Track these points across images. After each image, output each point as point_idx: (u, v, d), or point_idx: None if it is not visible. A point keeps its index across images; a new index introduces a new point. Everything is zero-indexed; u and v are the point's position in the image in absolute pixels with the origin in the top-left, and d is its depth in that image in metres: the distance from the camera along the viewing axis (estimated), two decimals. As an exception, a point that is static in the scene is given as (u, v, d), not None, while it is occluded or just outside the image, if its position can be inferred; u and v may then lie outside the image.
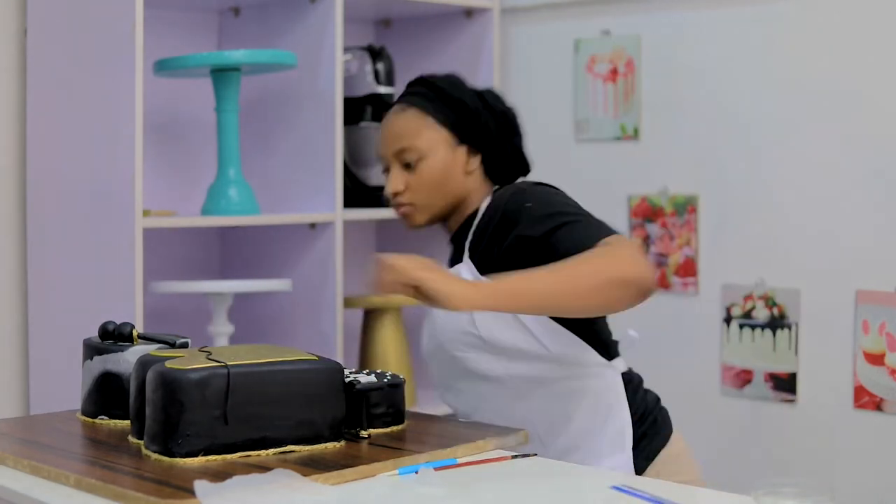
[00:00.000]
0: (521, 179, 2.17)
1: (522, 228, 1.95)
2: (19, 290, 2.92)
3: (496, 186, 2.16)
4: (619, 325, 2.19)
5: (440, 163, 2.10)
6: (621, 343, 2.13)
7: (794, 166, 2.95)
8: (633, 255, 1.82)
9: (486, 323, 1.96)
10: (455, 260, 2.14)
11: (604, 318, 2.07)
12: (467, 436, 1.86)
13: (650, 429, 2.04)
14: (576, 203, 1.99)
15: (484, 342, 1.99)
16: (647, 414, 2.06)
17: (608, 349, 2.07)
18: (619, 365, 2.08)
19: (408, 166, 2.12)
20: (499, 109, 2.15)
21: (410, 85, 2.19)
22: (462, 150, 2.12)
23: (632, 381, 2.09)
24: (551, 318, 1.98)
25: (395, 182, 2.12)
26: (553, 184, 2.10)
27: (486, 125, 2.12)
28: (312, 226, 3.03)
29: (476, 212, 2.12)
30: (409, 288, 1.73)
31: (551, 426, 2.01)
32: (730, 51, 3.05)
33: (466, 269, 2.04)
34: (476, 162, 2.13)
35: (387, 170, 2.17)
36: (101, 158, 2.71)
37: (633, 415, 2.05)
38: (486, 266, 2.00)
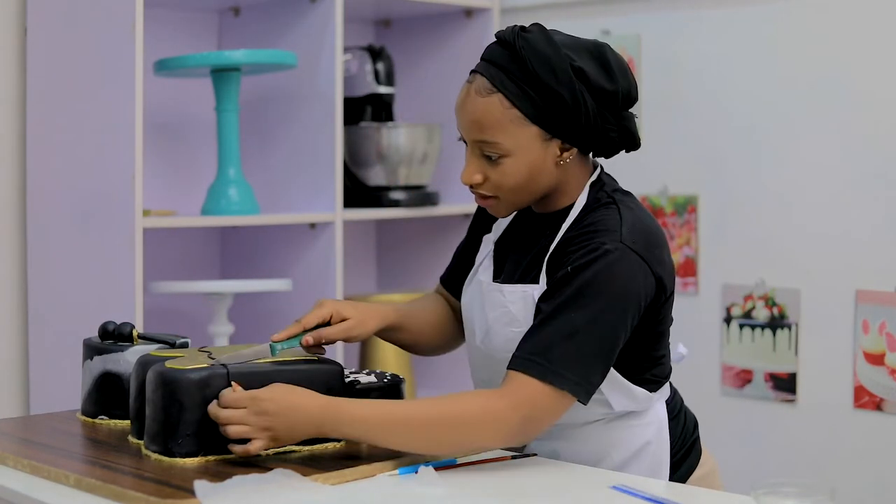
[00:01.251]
0: (620, 204, 1.81)
1: (551, 287, 1.75)
2: (19, 290, 2.92)
3: (595, 176, 1.87)
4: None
5: (527, 163, 1.77)
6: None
7: (794, 166, 2.94)
8: (496, 413, 1.67)
9: None
10: (529, 254, 1.87)
11: (668, 351, 1.88)
12: (467, 436, 1.86)
13: (688, 454, 1.93)
14: (614, 298, 1.71)
15: None
16: (685, 440, 1.94)
17: (663, 379, 1.89)
18: (666, 390, 1.91)
19: (490, 159, 1.79)
20: (608, 90, 1.77)
21: (497, 49, 1.81)
22: (555, 145, 1.78)
23: (674, 409, 1.93)
24: (621, 372, 1.79)
25: (471, 173, 1.81)
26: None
27: (584, 116, 1.76)
28: (312, 226, 3.03)
29: (570, 207, 1.84)
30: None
31: (584, 459, 1.85)
32: (730, 51, 3.05)
33: (541, 290, 1.79)
34: (571, 154, 1.80)
35: (463, 140, 1.84)
36: (101, 158, 2.70)
37: (672, 446, 1.90)
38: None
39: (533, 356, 1.69)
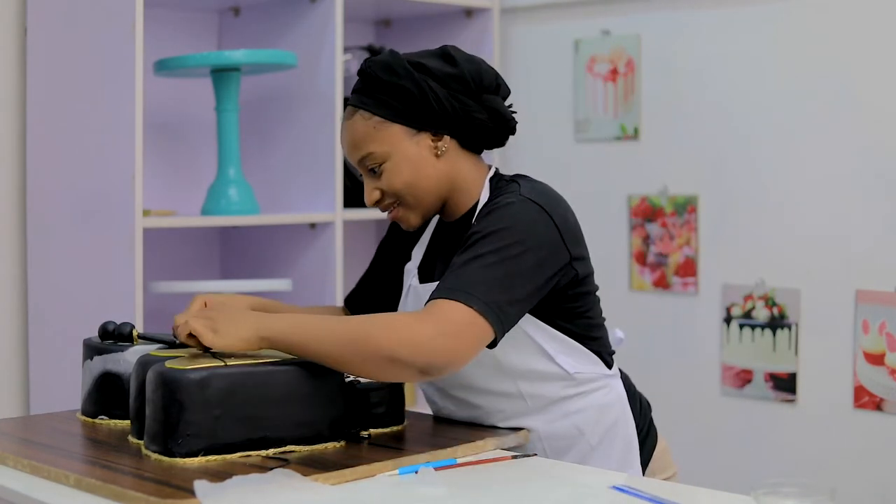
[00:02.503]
0: (521, 180, 1.92)
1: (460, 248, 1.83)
2: (19, 290, 2.92)
3: (493, 170, 1.96)
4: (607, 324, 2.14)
5: (404, 160, 1.89)
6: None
7: (794, 166, 2.95)
8: (425, 332, 1.70)
9: (502, 345, 1.81)
10: (450, 253, 1.94)
11: (603, 324, 1.99)
12: (467, 436, 1.86)
13: (647, 434, 2.02)
14: (520, 237, 1.79)
15: (497, 362, 1.88)
16: (644, 420, 2.02)
17: (609, 357, 1.99)
18: (615, 369, 2.01)
19: (374, 172, 1.92)
20: (452, 74, 1.88)
21: (357, 79, 1.96)
22: (425, 137, 1.90)
23: (630, 389, 2.02)
24: (564, 333, 1.89)
25: (369, 193, 1.95)
26: (553, 186, 1.95)
27: (438, 103, 1.87)
28: (312, 226, 3.03)
29: (476, 205, 1.93)
30: (191, 337, 1.74)
31: (560, 441, 1.93)
32: (730, 51, 3.05)
33: None
34: (447, 142, 1.91)
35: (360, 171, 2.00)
36: (101, 158, 2.71)
37: (635, 425, 1.99)
38: None
39: (441, 287, 1.76)
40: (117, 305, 2.62)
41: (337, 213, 3.00)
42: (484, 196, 1.92)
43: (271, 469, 1.59)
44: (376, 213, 3.18)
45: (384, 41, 3.52)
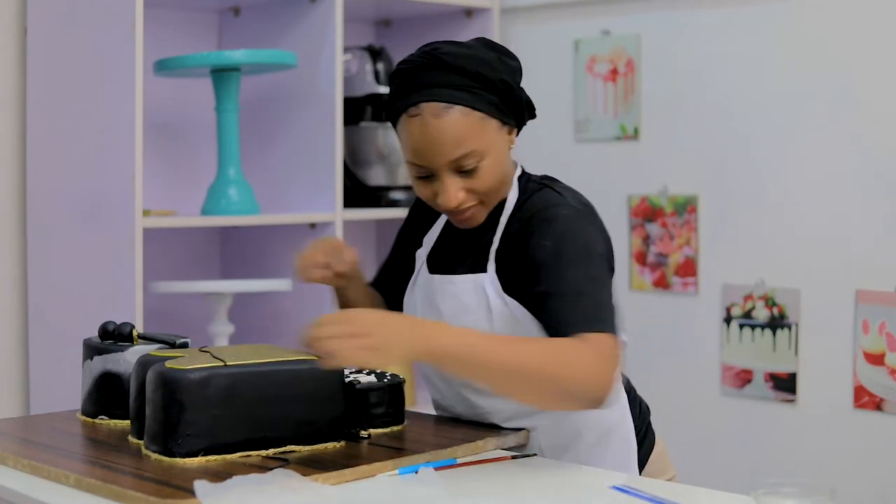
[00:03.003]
0: (555, 185, 1.90)
1: (529, 270, 1.79)
2: (19, 290, 2.92)
3: (520, 171, 1.93)
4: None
5: (498, 156, 1.84)
6: None
7: (794, 166, 2.95)
8: (597, 366, 1.68)
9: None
10: (471, 248, 1.91)
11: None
12: (467, 436, 1.86)
13: (645, 437, 2.02)
14: (594, 249, 1.80)
15: None
16: (642, 423, 2.02)
17: None
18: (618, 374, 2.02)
19: (463, 171, 1.83)
20: (515, 67, 1.87)
21: (421, 74, 1.83)
22: (507, 132, 1.87)
23: (630, 393, 2.02)
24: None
25: (453, 194, 1.83)
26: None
27: (520, 97, 1.86)
28: (312, 226, 3.03)
29: (503, 203, 1.90)
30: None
31: (559, 440, 1.93)
32: (730, 51, 3.05)
33: (489, 282, 1.85)
34: (515, 134, 1.90)
35: (424, 177, 1.86)
36: (101, 158, 2.71)
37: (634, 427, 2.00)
38: (508, 281, 1.85)
39: (579, 320, 1.71)
40: (117, 305, 2.62)
41: (337, 213, 3.00)
42: (512, 195, 1.89)
43: (271, 469, 1.59)
44: (376, 213, 3.18)
45: (384, 41, 3.52)
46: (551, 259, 1.76)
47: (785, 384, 2.96)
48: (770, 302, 2.98)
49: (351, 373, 1.92)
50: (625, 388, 2.00)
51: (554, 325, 1.73)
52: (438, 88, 1.81)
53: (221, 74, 2.88)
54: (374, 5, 3.35)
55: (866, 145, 2.83)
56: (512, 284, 1.84)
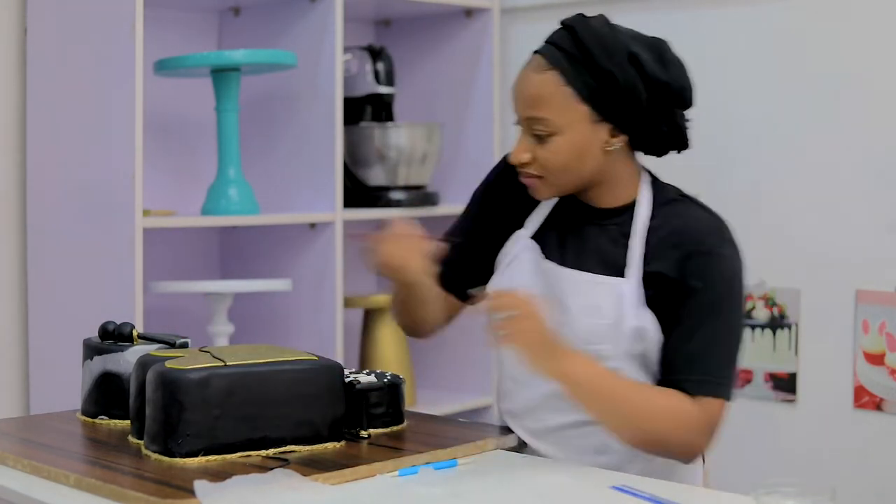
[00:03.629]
0: (703, 208, 1.93)
1: (679, 297, 1.80)
2: (19, 290, 2.92)
3: (650, 177, 1.92)
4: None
5: (575, 143, 1.79)
6: None
7: (794, 166, 2.94)
8: (698, 435, 1.77)
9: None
10: (600, 244, 1.87)
11: None
12: (467, 436, 1.86)
13: None
14: (743, 299, 1.86)
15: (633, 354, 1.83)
16: None
17: None
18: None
19: (537, 136, 1.80)
20: (662, 80, 1.81)
21: (558, 32, 1.84)
22: (604, 128, 1.81)
23: None
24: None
25: (519, 151, 1.83)
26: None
27: (636, 102, 1.79)
28: (312, 226, 3.03)
29: (633, 204, 1.87)
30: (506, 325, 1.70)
31: (597, 459, 1.88)
32: (730, 51, 3.04)
33: (630, 290, 1.81)
34: (620, 141, 1.83)
35: (519, 123, 1.85)
36: (101, 158, 2.70)
37: None
38: (656, 287, 1.82)
39: (706, 376, 1.78)
40: (117, 305, 2.62)
41: (337, 213, 3.00)
42: (645, 197, 1.88)
43: (271, 469, 1.59)
44: (376, 213, 3.18)
45: (384, 41, 3.52)
46: (707, 303, 1.80)
47: (785, 384, 2.96)
48: (770, 302, 2.98)
49: (351, 373, 1.92)
50: None
51: (674, 370, 1.79)
52: (554, 48, 1.82)
53: (221, 74, 2.88)
54: (374, 5, 3.35)
55: (866, 145, 2.83)
56: (654, 300, 1.82)
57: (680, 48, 3.13)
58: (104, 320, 2.03)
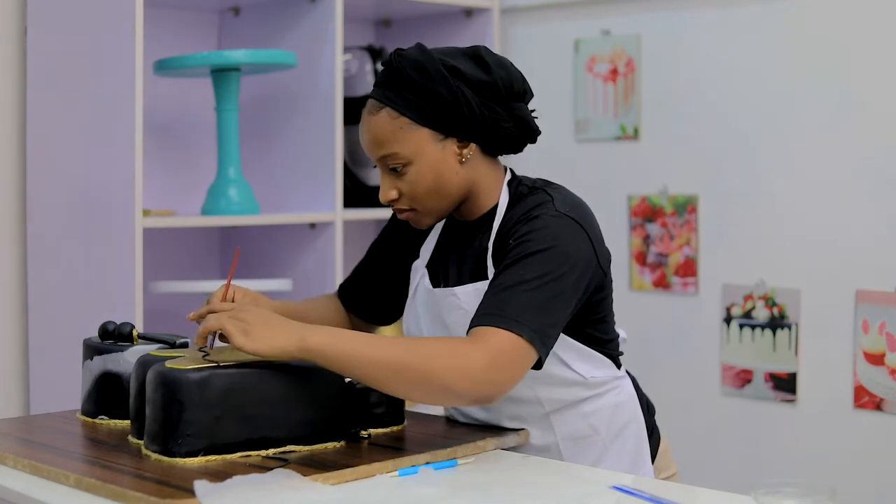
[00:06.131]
0: (548, 188, 1.89)
1: (502, 262, 1.82)
2: (19, 289, 2.92)
3: (509, 176, 1.95)
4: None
5: (430, 165, 1.85)
6: None
7: (793, 166, 2.95)
8: (474, 362, 1.69)
9: None
10: (470, 257, 1.92)
11: (614, 326, 1.98)
12: (467, 436, 1.86)
13: (651, 434, 2.03)
14: (556, 255, 1.78)
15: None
16: (649, 421, 2.03)
17: (618, 358, 2.00)
18: (624, 372, 2.01)
19: (395, 171, 1.88)
20: (485, 81, 1.85)
21: (382, 72, 1.91)
22: (451, 143, 1.86)
23: (637, 390, 2.03)
24: (581, 340, 1.89)
25: (385, 191, 1.90)
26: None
27: (469, 111, 1.84)
28: (312, 226, 3.03)
29: (495, 208, 1.91)
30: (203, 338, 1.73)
31: (577, 441, 1.93)
32: (730, 51, 3.05)
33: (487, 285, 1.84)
34: (472, 149, 1.88)
35: (377, 165, 1.94)
36: (101, 158, 2.71)
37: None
38: None
39: (489, 311, 1.75)
40: (117, 305, 2.62)
41: (337, 213, 3.00)
42: (503, 200, 1.91)
43: (271, 469, 1.59)
44: (376, 213, 3.19)
45: (384, 41, 3.52)
46: (515, 255, 1.78)
47: (785, 384, 2.96)
48: (770, 302, 2.98)
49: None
50: (633, 386, 2.01)
51: (473, 318, 1.77)
52: (381, 87, 1.89)
53: (221, 74, 2.88)
54: (374, 5, 3.35)
55: (866, 145, 2.83)
56: None
57: (680, 48, 3.14)
58: (104, 320, 2.03)
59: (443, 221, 2.02)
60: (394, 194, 1.89)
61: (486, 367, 1.70)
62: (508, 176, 1.95)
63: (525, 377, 1.80)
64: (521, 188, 1.92)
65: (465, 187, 1.90)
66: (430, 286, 1.96)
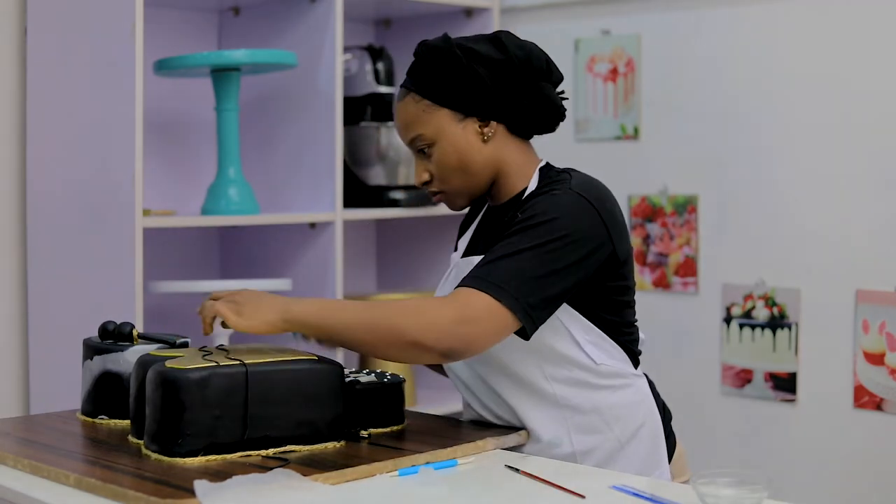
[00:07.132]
0: (572, 172, 1.94)
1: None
2: (19, 289, 2.92)
3: (544, 162, 1.99)
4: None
5: (453, 144, 1.93)
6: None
7: (794, 166, 2.95)
8: (442, 317, 1.75)
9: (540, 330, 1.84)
10: (498, 236, 1.91)
11: (635, 323, 1.98)
12: (467, 436, 1.86)
13: (668, 436, 2.01)
14: (558, 228, 1.80)
15: (532, 346, 1.86)
16: (666, 425, 2.02)
17: (636, 357, 1.99)
18: (641, 373, 2.00)
19: (424, 153, 1.96)
20: (501, 60, 1.91)
21: (415, 57, 2.00)
22: (472, 122, 1.93)
23: (654, 394, 2.02)
24: (599, 325, 1.90)
25: (418, 173, 1.99)
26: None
27: (484, 89, 1.91)
28: (312, 225, 3.03)
29: (524, 191, 1.95)
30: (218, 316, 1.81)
31: (589, 437, 1.92)
32: (730, 51, 3.05)
33: None
34: (494, 127, 1.94)
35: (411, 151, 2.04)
36: (101, 158, 2.71)
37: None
38: None
39: (475, 275, 1.80)
40: (117, 305, 2.62)
41: (337, 213, 3.00)
42: (533, 184, 1.95)
43: (271, 469, 1.59)
44: (376, 213, 3.19)
45: (384, 41, 3.52)
46: (518, 226, 1.83)
47: (785, 384, 2.96)
48: (770, 302, 2.98)
49: (351, 372, 1.93)
50: (651, 389, 2.01)
51: (460, 281, 1.82)
52: (408, 75, 1.99)
53: (221, 74, 2.88)
54: (374, 5, 3.35)
55: (866, 145, 2.83)
56: None
57: (680, 48, 3.14)
58: (104, 320, 2.03)
59: (481, 214, 2.06)
60: (426, 176, 1.98)
61: (452, 320, 1.75)
62: (542, 163, 2.00)
63: (532, 354, 1.85)
64: (552, 173, 1.96)
65: (492, 166, 1.96)
66: (460, 258, 2.01)
